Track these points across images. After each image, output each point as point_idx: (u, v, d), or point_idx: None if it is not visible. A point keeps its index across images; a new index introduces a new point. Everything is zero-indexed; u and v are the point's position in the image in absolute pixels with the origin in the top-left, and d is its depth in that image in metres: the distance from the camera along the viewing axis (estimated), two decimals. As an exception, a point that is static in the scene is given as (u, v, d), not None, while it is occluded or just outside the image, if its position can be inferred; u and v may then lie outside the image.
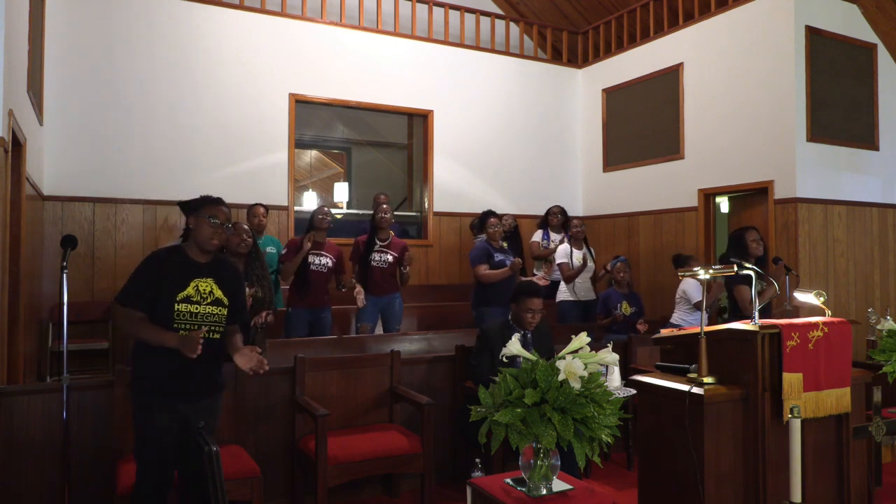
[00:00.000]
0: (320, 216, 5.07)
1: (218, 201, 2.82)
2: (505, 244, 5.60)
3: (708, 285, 5.38)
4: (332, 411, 3.61)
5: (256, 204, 5.52)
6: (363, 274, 5.22)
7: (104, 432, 3.28)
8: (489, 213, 5.79)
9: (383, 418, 3.93)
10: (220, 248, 2.81)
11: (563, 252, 6.13)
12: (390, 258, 5.26)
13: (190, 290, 2.70)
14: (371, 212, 5.52)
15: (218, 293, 2.76)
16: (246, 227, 3.93)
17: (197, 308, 2.70)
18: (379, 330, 5.37)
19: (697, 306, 5.36)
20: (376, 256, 5.22)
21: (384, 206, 5.32)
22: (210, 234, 2.72)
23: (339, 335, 5.25)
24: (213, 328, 2.74)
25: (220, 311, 2.76)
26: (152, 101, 6.36)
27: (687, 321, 5.47)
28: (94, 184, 6.09)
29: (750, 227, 4.54)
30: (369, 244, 5.25)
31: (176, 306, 2.67)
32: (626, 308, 5.38)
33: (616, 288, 5.58)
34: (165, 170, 6.36)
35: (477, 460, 2.77)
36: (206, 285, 2.74)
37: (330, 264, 5.05)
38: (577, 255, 6.07)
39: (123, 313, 2.72)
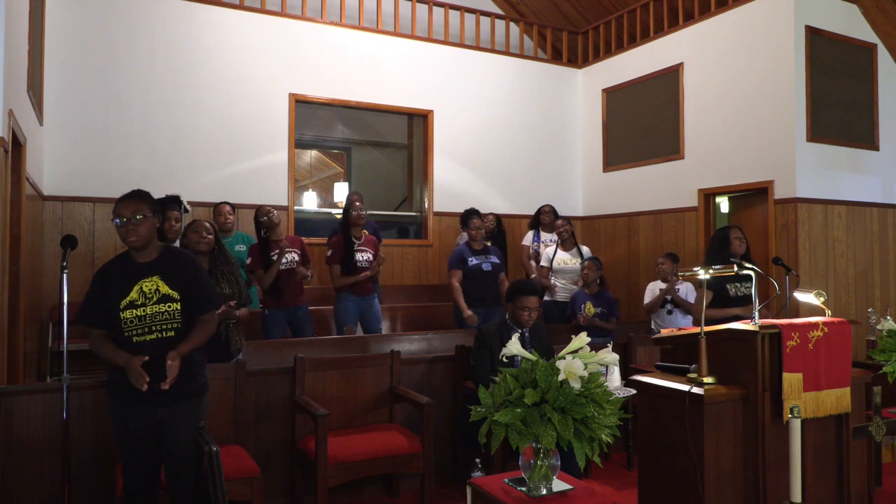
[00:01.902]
0: (265, 217, 4.94)
1: (126, 197, 2.67)
2: (489, 243, 5.58)
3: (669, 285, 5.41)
4: (332, 411, 3.61)
5: (222, 202, 5.53)
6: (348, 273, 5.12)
7: (104, 432, 3.27)
8: (472, 213, 5.73)
9: (383, 418, 3.93)
10: (143, 243, 2.66)
11: (545, 255, 6.13)
12: (370, 256, 5.21)
13: (133, 295, 2.63)
14: (374, 211, 5.47)
15: (165, 289, 2.66)
16: (207, 224, 3.83)
17: (143, 311, 2.63)
18: (358, 331, 5.27)
19: (685, 310, 5.35)
20: (359, 256, 5.15)
21: (357, 202, 5.24)
22: (123, 234, 2.63)
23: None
24: (164, 326, 2.65)
25: (170, 306, 2.66)
26: (152, 101, 6.36)
27: (668, 322, 5.44)
28: (94, 184, 6.09)
29: (733, 226, 4.58)
30: (348, 245, 5.14)
31: (121, 314, 2.61)
32: (589, 309, 5.26)
33: (584, 288, 5.51)
34: (165, 170, 6.36)
35: (477, 460, 2.77)
36: (152, 284, 2.66)
37: (297, 258, 4.99)
38: (565, 257, 6.03)
39: (89, 334, 2.69)
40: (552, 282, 6.03)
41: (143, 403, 2.64)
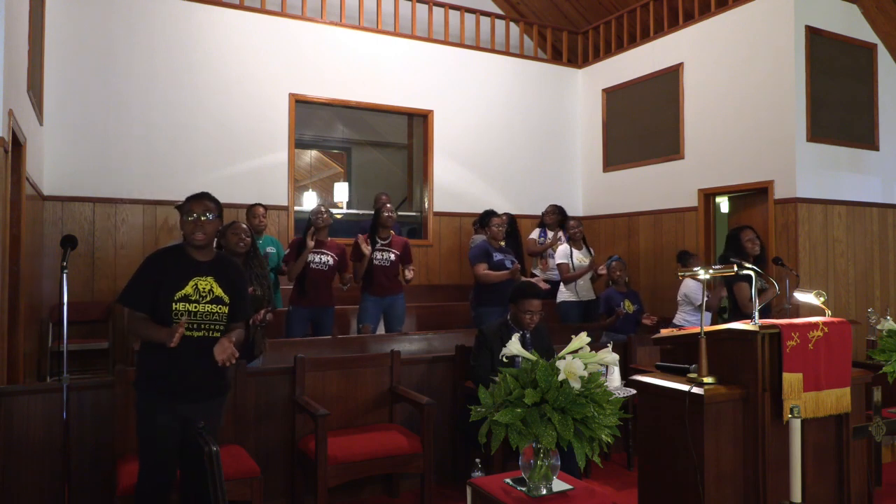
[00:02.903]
0: (317, 215, 5.05)
1: (196, 196, 2.78)
2: (503, 243, 5.60)
3: (708, 285, 5.44)
4: (332, 411, 3.61)
5: (256, 204, 5.51)
6: (365, 273, 5.20)
7: (104, 432, 3.28)
8: (491, 213, 5.81)
9: (383, 418, 3.92)
10: (207, 241, 2.75)
11: (563, 253, 6.11)
12: (392, 257, 5.24)
13: (188, 289, 2.69)
14: (372, 211, 5.52)
15: (218, 291, 2.75)
16: (244, 226, 3.94)
17: (196, 307, 2.69)
18: (381, 330, 5.35)
19: (699, 308, 5.36)
20: (378, 255, 5.19)
21: (388, 204, 5.35)
22: (190, 230, 2.70)
23: (338, 335, 5.22)
24: (212, 326, 2.73)
25: (220, 309, 2.75)
26: (152, 101, 6.36)
27: (690, 322, 5.48)
28: (94, 184, 6.09)
29: (745, 227, 4.55)
30: (371, 243, 5.21)
31: (174, 305, 2.66)
32: (628, 306, 5.41)
33: (615, 287, 5.60)
34: (165, 170, 6.36)
35: (477, 460, 2.77)
36: (206, 283, 2.73)
37: (331, 262, 5.03)
38: (578, 256, 6.05)
39: (128, 313, 2.75)
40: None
41: (172, 399, 2.69)
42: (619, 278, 5.60)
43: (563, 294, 6.03)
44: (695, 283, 5.55)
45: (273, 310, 4.04)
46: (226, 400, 2.94)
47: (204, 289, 2.72)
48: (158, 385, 2.69)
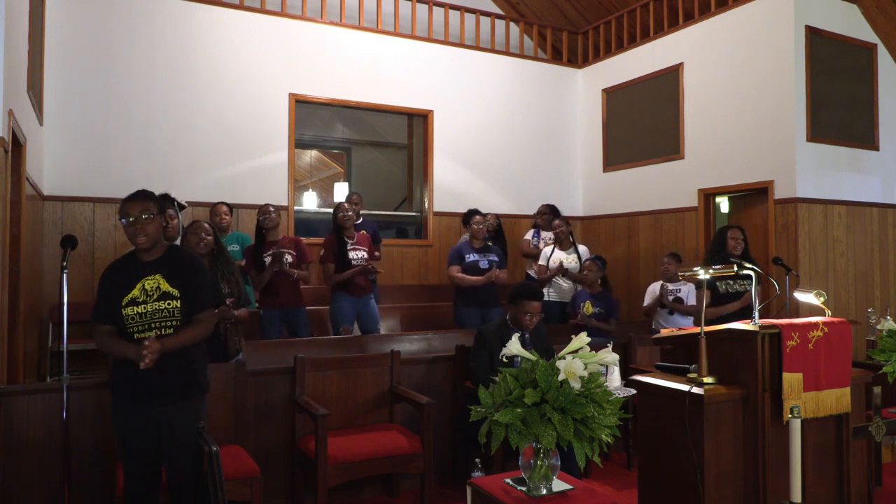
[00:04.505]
0: (264, 216, 4.95)
1: (132, 197, 2.70)
2: (490, 243, 5.59)
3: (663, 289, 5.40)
4: (332, 411, 3.61)
5: (219, 202, 5.55)
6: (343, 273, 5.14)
7: (104, 432, 3.27)
8: (474, 212, 5.82)
9: (383, 418, 3.92)
10: (151, 243, 2.68)
11: (543, 254, 6.12)
12: (364, 254, 5.22)
13: (135, 292, 2.66)
14: (371, 212, 5.52)
15: (165, 287, 2.68)
16: (206, 225, 3.83)
17: (144, 308, 2.65)
18: (355, 332, 5.27)
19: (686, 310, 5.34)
20: (352, 255, 5.14)
21: (345, 204, 5.31)
22: (131, 234, 2.66)
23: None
24: (164, 323, 2.67)
25: (169, 304, 2.68)
26: (152, 101, 6.36)
27: (671, 323, 5.43)
28: (94, 184, 6.09)
29: (734, 226, 4.57)
30: (341, 244, 5.14)
31: (123, 311, 2.64)
32: (588, 308, 5.26)
33: (586, 288, 5.52)
34: (165, 170, 6.36)
35: (477, 460, 2.77)
36: (153, 282, 2.68)
37: (290, 259, 4.91)
38: (562, 257, 6.02)
39: (96, 330, 2.72)
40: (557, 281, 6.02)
41: (143, 402, 2.66)
42: (587, 278, 5.48)
43: (546, 295, 6.02)
44: (688, 286, 5.48)
45: (245, 305, 3.89)
46: (203, 400, 2.84)
47: (151, 287, 2.68)
48: (126, 389, 2.68)
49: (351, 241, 5.21)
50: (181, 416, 2.69)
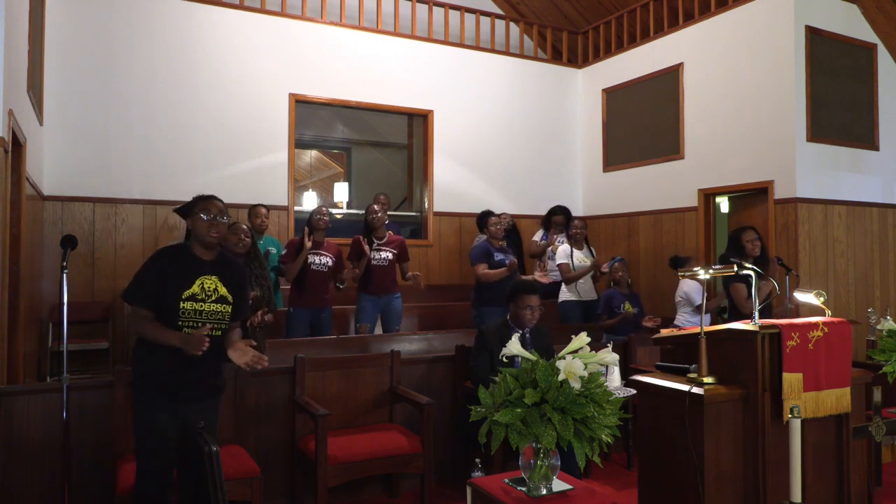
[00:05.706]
0: (318, 216, 5.09)
1: (210, 197, 2.83)
2: (503, 243, 5.61)
3: (708, 288, 5.41)
4: (332, 411, 3.61)
5: (258, 204, 5.49)
6: (363, 272, 5.22)
7: (104, 432, 3.28)
8: (488, 213, 5.83)
9: (383, 418, 3.92)
10: (220, 241, 2.80)
11: (564, 253, 6.10)
12: (389, 255, 5.28)
13: (195, 288, 2.71)
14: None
15: (223, 290, 2.78)
16: (245, 226, 3.97)
17: (202, 306, 2.72)
18: (378, 330, 5.37)
19: (699, 309, 5.35)
20: (375, 255, 5.23)
21: (375, 206, 5.37)
22: (206, 228, 2.73)
23: (337, 335, 5.24)
24: (216, 326, 2.75)
25: (224, 308, 2.78)
26: (152, 101, 6.36)
27: (690, 323, 5.46)
28: (94, 184, 6.09)
29: (748, 227, 4.54)
30: (367, 244, 5.25)
31: (181, 304, 2.68)
32: (628, 308, 5.41)
33: (617, 288, 5.60)
34: (165, 170, 6.36)
35: (477, 460, 2.77)
36: (211, 283, 2.75)
37: (330, 264, 5.05)
38: (578, 256, 6.03)
39: (131, 311, 2.79)
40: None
41: (172, 399, 2.71)
42: (620, 279, 5.61)
43: (565, 294, 6.02)
44: (694, 284, 5.54)
45: (273, 310, 4.04)
46: (222, 399, 2.95)
47: (209, 288, 2.75)
48: (158, 383, 2.70)
49: (379, 242, 5.27)
50: (205, 413, 2.73)
